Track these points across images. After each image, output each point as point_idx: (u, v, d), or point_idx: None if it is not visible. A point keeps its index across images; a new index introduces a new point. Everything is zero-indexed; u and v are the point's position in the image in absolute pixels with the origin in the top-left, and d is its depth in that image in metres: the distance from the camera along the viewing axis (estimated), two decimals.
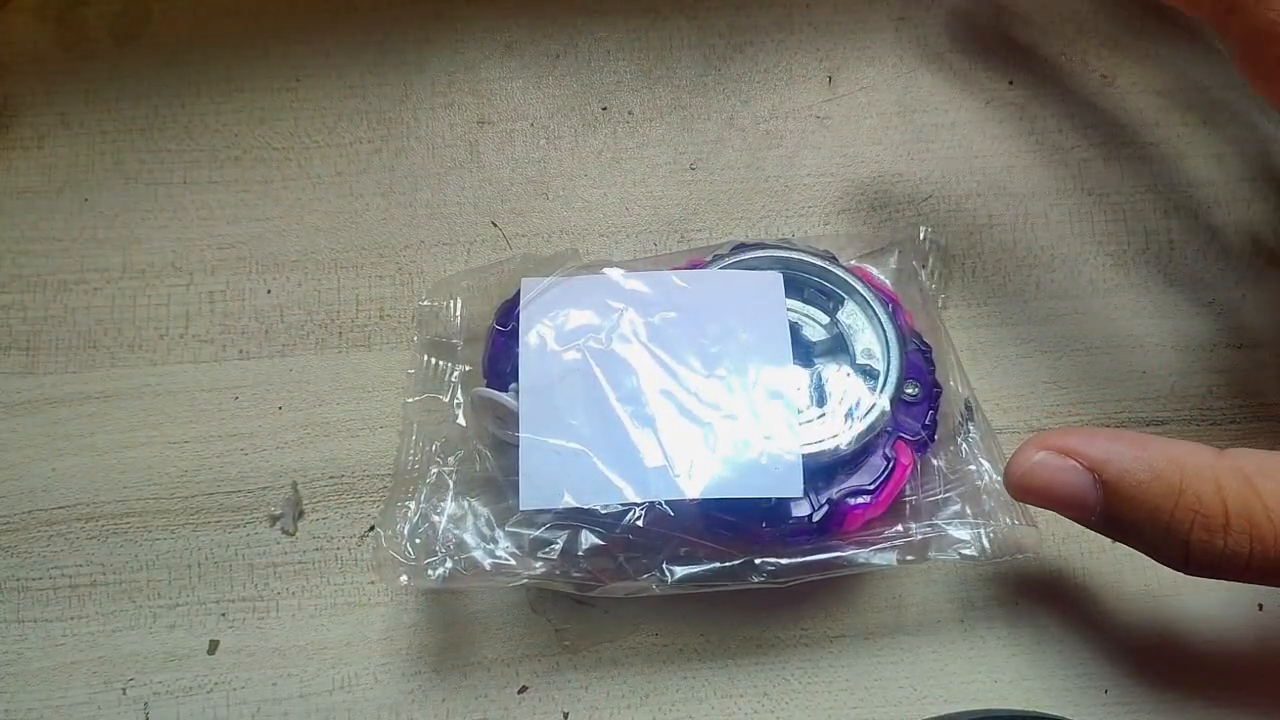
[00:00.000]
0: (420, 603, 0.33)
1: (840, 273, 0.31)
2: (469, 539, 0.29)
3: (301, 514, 0.34)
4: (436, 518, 0.30)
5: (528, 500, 0.28)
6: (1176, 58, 0.38)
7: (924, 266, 0.34)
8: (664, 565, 0.29)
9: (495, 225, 0.36)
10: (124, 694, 0.32)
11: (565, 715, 0.32)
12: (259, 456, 0.34)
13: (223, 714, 0.32)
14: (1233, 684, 0.32)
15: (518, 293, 0.31)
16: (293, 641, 0.33)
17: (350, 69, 0.38)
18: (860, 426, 0.29)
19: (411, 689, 0.32)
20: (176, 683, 0.32)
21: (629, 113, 0.37)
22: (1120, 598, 0.33)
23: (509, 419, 0.29)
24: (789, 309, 0.31)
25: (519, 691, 0.32)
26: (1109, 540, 0.33)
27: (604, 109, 0.37)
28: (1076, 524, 0.27)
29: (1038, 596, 0.33)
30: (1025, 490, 0.27)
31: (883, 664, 0.32)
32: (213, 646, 0.32)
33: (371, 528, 0.33)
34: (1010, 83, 0.38)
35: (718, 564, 0.29)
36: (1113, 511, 0.26)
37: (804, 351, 0.31)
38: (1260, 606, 0.33)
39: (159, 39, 0.37)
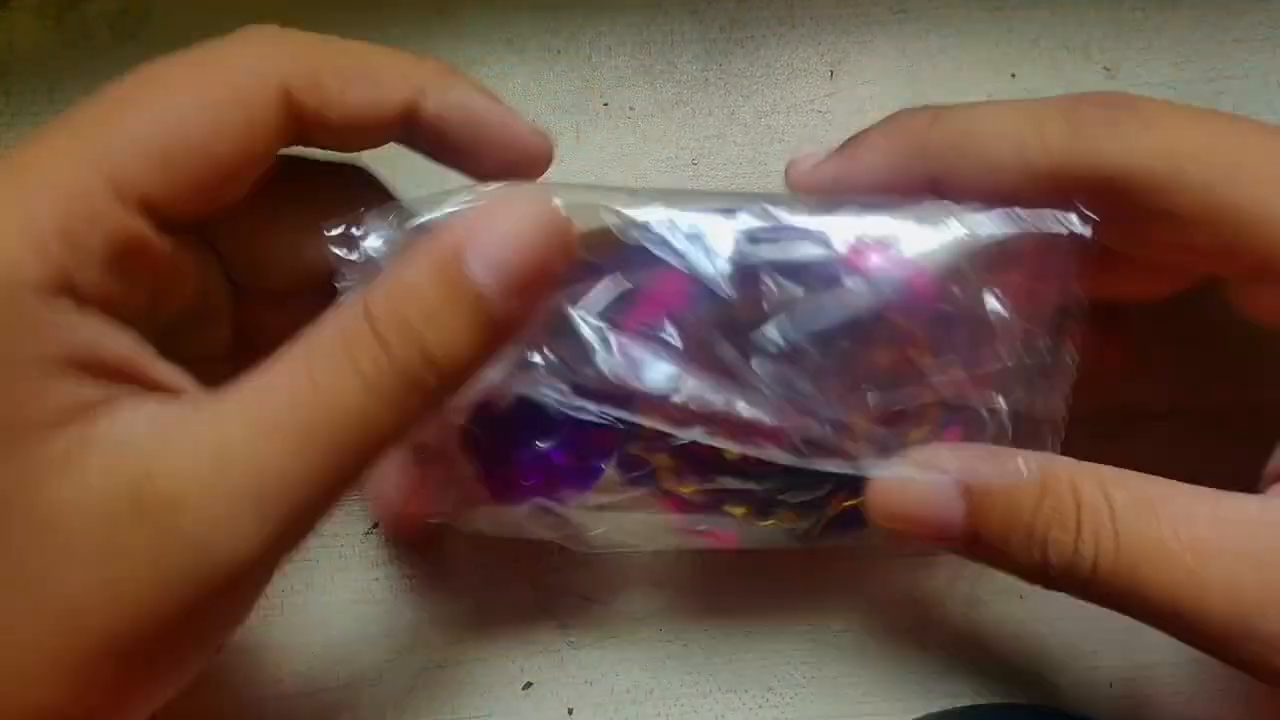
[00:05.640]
0: (424, 599, 0.33)
1: None
2: None
3: None
4: None
5: None
6: (1179, 49, 0.38)
7: None
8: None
9: None
10: None
11: (570, 711, 0.32)
12: None
13: (227, 712, 0.32)
14: (1237, 678, 0.32)
15: None
16: (297, 639, 0.33)
17: None
18: None
19: (415, 686, 0.32)
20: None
21: (630, 108, 0.37)
22: None
23: None
24: None
25: (524, 688, 0.32)
26: None
27: (605, 105, 0.37)
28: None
29: (1042, 590, 0.33)
30: (891, 513, 0.26)
31: (887, 658, 0.32)
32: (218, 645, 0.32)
33: (376, 525, 0.33)
34: (1012, 75, 0.37)
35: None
36: (977, 520, 0.25)
37: None
38: None
39: (160, 36, 0.37)
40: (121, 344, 0.22)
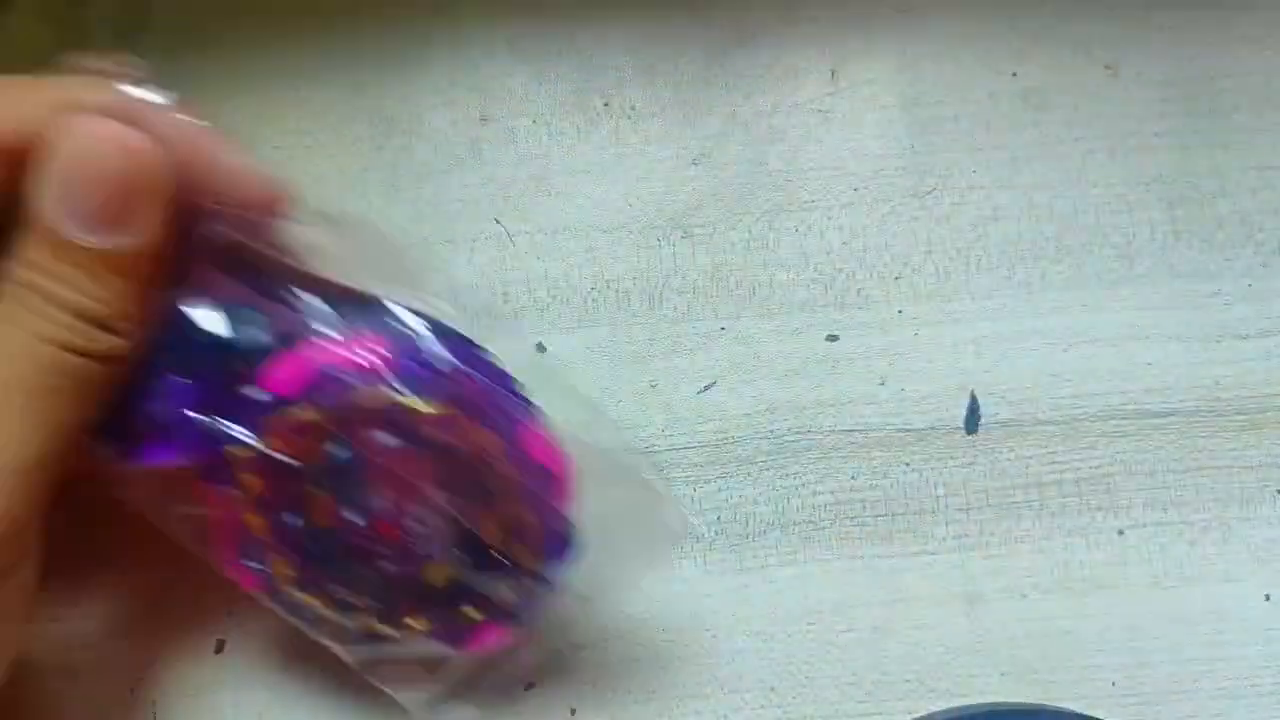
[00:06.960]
0: None
1: None
2: None
3: None
4: None
5: None
6: (1181, 47, 0.38)
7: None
8: None
9: (498, 222, 0.36)
10: (131, 694, 0.32)
11: (572, 711, 0.32)
12: None
13: (229, 713, 0.32)
14: (1241, 675, 0.32)
15: None
16: (299, 640, 0.32)
17: (352, 67, 0.37)
18: None
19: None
20: (183, 682, 0.32)
21: (631, 108, 0.37)
22: (1126, 589, 0.33)
23: None
24: None
25: (526, 688, 0.32)
26: (1114, 531, 0.34)
27: (606, 105, 0.37)
28: None
29: (1044, 589, 0.33)
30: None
31: (889, 658, 0.32)
32: (219, 646, 0.32)
33: None
34: (1014, 74, 0.37)
35: None
36: None
37: None
38: (1267, 597, 0.33)
39: (159, 38, 0.37)
40: None
